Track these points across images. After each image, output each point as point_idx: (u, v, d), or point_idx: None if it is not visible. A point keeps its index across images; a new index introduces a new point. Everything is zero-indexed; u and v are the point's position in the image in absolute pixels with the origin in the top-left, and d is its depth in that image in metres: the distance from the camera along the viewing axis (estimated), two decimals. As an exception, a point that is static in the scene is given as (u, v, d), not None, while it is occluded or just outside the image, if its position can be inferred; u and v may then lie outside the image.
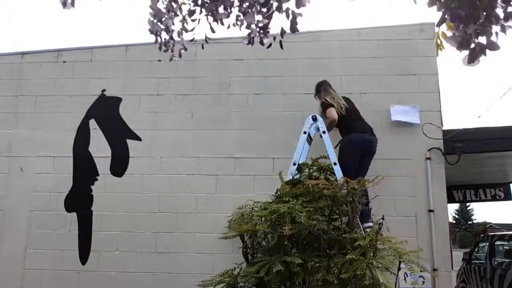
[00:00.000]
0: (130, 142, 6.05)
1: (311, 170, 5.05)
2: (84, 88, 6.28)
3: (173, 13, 2.75)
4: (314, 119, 5.19)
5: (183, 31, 2.86)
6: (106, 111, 6.20)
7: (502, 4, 2.09)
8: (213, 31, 2.68)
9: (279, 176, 5.07)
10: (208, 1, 2.56)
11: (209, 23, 2.64)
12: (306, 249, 4.46)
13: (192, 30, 2.73)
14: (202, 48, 2.94)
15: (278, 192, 4.79)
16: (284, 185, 4.75)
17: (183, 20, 2.81)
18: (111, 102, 6.20)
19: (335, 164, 4.83)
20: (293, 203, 4.19)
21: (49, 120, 6.23)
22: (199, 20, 2.67)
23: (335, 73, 5.96)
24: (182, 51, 3.05)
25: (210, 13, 2.59)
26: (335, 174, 4.80)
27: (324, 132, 5.07)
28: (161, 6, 2.75)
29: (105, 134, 6.12)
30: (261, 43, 2.58)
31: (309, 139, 5.20)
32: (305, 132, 5.12)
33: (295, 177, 4.91)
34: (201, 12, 2.63)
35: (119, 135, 6.09)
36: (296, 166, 4.99)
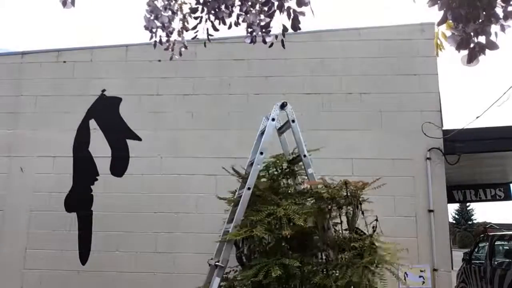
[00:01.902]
0: (130, 142, 6.05)
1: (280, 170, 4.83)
2: (84, 88, 6.28)
3: (170, 11, 2.74)
4: (282, 106, 4.70)
5: (184, 30, 2.86)
6: (106, 111, 6.20)
7: (502, 4, 2.09)
8: (215, 29, 2.66)
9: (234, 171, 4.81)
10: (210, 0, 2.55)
11: (211, 22, 2.63)
12: (303, 250, 4.45)
13: (194, 28, 2.71)
14: (205, 46, 2.92)
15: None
16: (261, 181, 4.54)
17: (184, 19, 2.80)
18: (111, 102, 6.20)
19: (304, 156, 4.50)
20: (287, 203, 4.15)
21: (49, 120, 6.23)
22: (200, 18, 2.65)
23: (335, 73, 5.96)
24: (183, 49, 3.04)
25: (212, 12, 2.58)
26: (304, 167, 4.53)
27: (293, 120, 4.65)
28: (159, 4, 2.74)
29: (105, 134, 6.12)
30: (264, 41, 2.57)
31: (280, 128, 4.82)
32: (273, 119, 4.67)
33: (262, 166, 4.61)
34: (203, 10, 2.62)
35: (119, 135, 6.09)
36: (263, 155, 4.51)
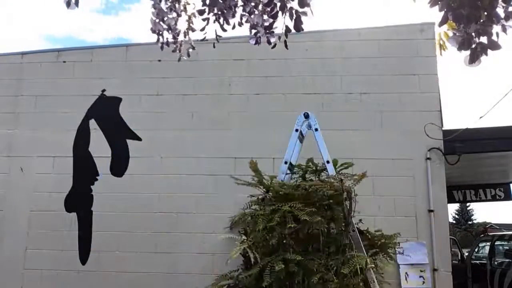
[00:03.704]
0: (130, 142, 6.04)
1: (306, 171, 4.99)
2: (84, 88, 6.27)
3: (175, 13, 2.75)
4: (306, 116, 5.08)
5: (190, 31, 2.86)
6: (106, 111, 6.20)
7: (503, 4, 2.09)
8: (224, 30, 2.67)
9: (252, 164, 4.86)
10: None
11: (219, 23, 2.63)
12: (305, 246, 4.46)
13: (203, 29, 2.72)
14: (214, 47, 2.95)
15: (266, 195, 4.68)
16: (276, 187, 4.64)
17: (189, 19, 2.81)
18: (111, 102, 6.20)
19: (327, 162, 4.75)
20: (294, 202, 4.18)
21: (49, 120, 6.23)
22: (208, 20, 2.66)
23: (335, 73, 5.96)
24: (190, 50, 3.06)
25: (220, 12, 2.58)
26: (328, 172, 4.69)
27: (316, 129, 4.97)
28: (164, 6, 2.75)
29: (105, 134, 6.12)
30: (268, 42, 2.58)
31: (301, 137, 5.10)
32: (296, 130, 5.01)
33: (286, 176, 4.82)
34: (209, 11, 2.63)
35: (119, 135, 6.08)
36: (287, 164, 4.87)
